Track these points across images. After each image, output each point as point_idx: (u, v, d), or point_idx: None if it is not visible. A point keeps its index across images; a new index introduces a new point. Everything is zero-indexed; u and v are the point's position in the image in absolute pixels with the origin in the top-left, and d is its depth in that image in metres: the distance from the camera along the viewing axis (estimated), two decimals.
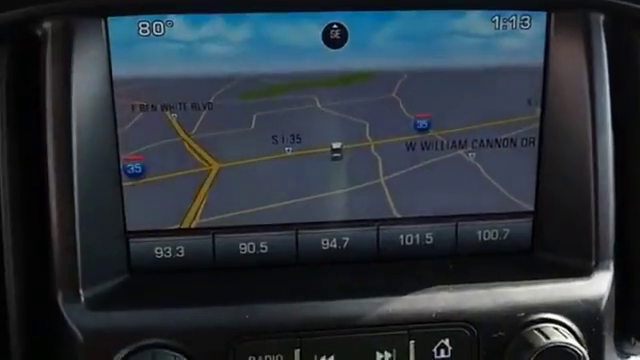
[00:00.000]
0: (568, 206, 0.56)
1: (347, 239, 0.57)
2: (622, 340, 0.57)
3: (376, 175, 0.56)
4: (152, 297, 0.52)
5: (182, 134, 0.54)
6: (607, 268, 0.54)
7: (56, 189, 0.51)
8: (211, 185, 0.54)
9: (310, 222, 0.56)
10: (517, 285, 0.53)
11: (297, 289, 0.53)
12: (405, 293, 0.52)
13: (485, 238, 0.58)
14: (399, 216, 0.57)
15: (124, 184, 0.54)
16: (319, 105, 0.54)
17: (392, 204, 0.56)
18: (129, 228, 0.54)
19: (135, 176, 0.54)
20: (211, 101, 0.53)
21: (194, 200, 0.55)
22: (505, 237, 0.58)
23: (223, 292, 0.53)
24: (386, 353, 0.51)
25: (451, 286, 0.53)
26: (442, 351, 0.52)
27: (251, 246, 0.56)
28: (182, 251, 0.55)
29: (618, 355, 0.56)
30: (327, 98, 0.54)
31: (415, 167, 0.56)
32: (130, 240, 0.54)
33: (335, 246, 0.57)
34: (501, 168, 0.57)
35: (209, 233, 0.55)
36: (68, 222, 0.50)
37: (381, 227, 0.57)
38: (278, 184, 0.55)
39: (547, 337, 0.50)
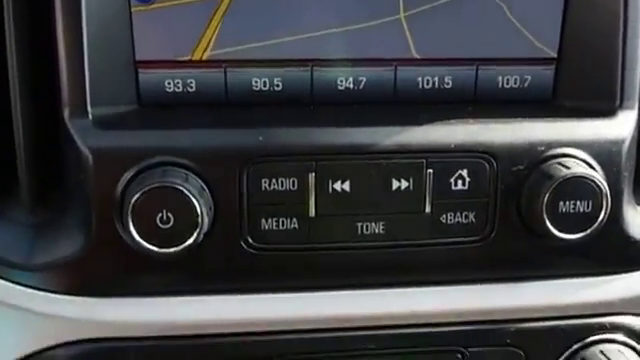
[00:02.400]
0: (593, 50, 0.54)
1: (364, 79, 0.55)
2: None
3: (396, 10, 0.53)
4: (163, 120, 0.50)
5: None
6: (632, 108, 0.53)
7: (62, 8, 0.49)
8: (224, 13, 0.52)
9: (326, 59, 0.54)
10: (539, 121, 0.52)
11: (313, 119, 0.51)
12: (424, 124, 0.51)
13: (506, 85, 0.56)
14: (418, 56, 0.54)
15: (133, 9, 0.51)
16: None
17: (411, 43, 0.54)
18: (138, 57, 0.52)
19: (145, 0, 0.51)
20: None
21: (206, 29, 0.52)
22: (526, 84, 0.56)
23: (236, 119, 0.51)
24: (402, 181, 0.50)
25: (471, 120, 0.51)
26: (459, 182, 0.50)
27: (264, 82, 0.54)
28: (193, 85, 0.53)
29: (637, 202, 0.55)
30: None
31: (437, 4, 0.54)
32: (139, 70, 0.53)
33: (351, 86, 0.55)
34: (526, 10, 0.54)
35: (221, 66, 0.53)
36: (75, 41, 0.49)
37: (399, 67, 0.55)
38: (293, 16, 0.53)
39: (568, 168, 0.49)
